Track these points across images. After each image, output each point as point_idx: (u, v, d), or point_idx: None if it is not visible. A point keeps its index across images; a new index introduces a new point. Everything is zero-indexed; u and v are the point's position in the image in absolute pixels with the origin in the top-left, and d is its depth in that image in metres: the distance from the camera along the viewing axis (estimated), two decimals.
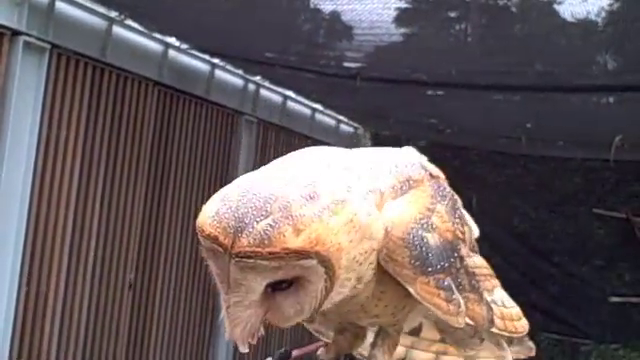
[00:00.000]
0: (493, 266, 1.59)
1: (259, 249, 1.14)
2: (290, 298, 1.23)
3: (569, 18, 5.10)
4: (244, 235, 1.14)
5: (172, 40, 6.16)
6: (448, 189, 1.47)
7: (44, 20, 5.03)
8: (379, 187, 1.31)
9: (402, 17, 5.41)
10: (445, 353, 1.67)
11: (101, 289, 5.63)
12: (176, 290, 6.36)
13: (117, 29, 5.64)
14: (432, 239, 1.34)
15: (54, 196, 5.20)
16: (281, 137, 7.39)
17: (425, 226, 1.33)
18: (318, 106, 8.07)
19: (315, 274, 1.20)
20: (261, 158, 6.88)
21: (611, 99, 6.73)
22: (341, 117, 8.37)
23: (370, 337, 1.51)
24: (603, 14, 5.13)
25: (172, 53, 6.21)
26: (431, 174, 1.44)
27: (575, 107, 6.77)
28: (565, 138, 7.53)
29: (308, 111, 8.05)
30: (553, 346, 10.04)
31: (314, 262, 1.18)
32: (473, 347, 1.63)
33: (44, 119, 5.06)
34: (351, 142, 8.24)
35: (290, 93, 7.66)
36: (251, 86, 7.20)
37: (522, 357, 1.68)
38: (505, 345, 1.59)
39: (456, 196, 1.50)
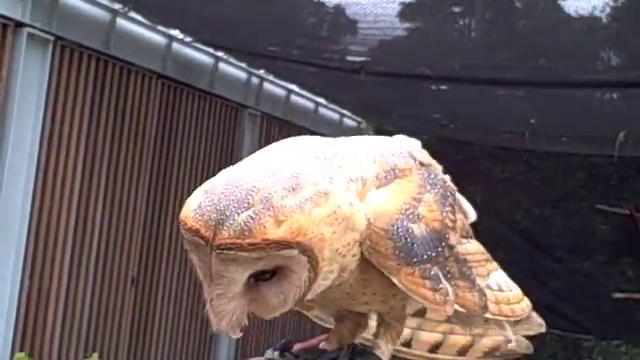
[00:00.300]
0: (495, 260, 1.58)
1: (239, 240, 1.14)
2: (274, 288, 1.23)
3: (573, 14, 5.10)
4: (225, 227, 1.15)
5: (176, 33, 6.15)
6: (440, 177, 1.45)
7: (48, 12, 5.03)
8: (361, 175, 1.30)
9: (406, 11, 5.40)
10: (452, 333, 1.66)
11: (104, 284, 5.64)
12: (178, 285, 6.36)
13: (121, 21, 5.64)
14: (418, 229, 1.33)
15: (57, 189, 5.19)
16: (284, 131, 7.38)
17: (411, 216, 1.32)
18: (321, 100, 8.06)
19: (298, 264, 1.20)
20: None
21: (615, 95, 6.72)
22: (344, 111, 8.37)
23: (373, 327, 1.50)
24: (607, 10, 5.12)
25: (176, 46, 6.20)
26: (421, 162, 1.43)
27: (579, 103, 6.75)
28: (569, 134, 7.52)
29: (311, 105, 8.05)
30: (555, 342, 10.03)
31: (296, 252, 1.18)
32: (479, 326, 1.62)
33: (47, 111, 5.06)
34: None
35: (294, 87, 7.65)
36: (255, 80, 7.20)
37: (532, 334, 1.66)
38: (507, 325, 1.57)
39: (449, 183, 1.48)
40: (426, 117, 7.38)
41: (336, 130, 7.98)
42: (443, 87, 6.71)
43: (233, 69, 6.94)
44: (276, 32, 5.80)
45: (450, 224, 1.41)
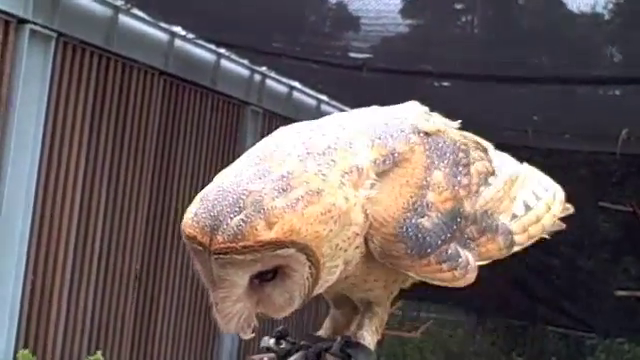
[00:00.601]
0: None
1: (233, 244, 1.16)
2: (278, 288, 1.25)
3: (576, 10, 5.09)
4: (219, 232, 1.17)
5: (178, 29, 6.15)
6: (449, 141, 1.42)
7: (50, 8, 5.03)
8: (356, 165, 1.28)
9: (408, 8, 5.40)
10: None
11: (107, 280, 5.64)
12: (181, 282, 6.36)
13: (123, 18, 5.64)
14: (428, 221, 1.32)
15: (60, 185, 5.20)
16: None
17: (420, 210, 1.31)
18: (324, 97, 8.06)
19: (297, 262, 1.22)
20: None
21: (618, 92, 6.71)
22: (346, 108, 8.36)
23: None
24: (610, 6, 5.11)
25: (178, 43, 6.20)
26: (426, 133, 1.40)
27: (582, 100, 6.75)
28: (571, 131, 7.51)
29: (314, 102, 8.05)
30: (558, 340, 10.04)
31: (292, 251, 1.19)
32: None
33: (50, 107, 5.06)
34: None
35: (296, 84, 7.65)
36: (257, 76, 7.19)
37: (560, 216, 1.67)
38: None
39: (461, 142, 1.45)
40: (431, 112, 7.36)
41: None
42: (445, 84, 6.70)
43: (235, 66, 6.93)
44: (278, 29, 5.80)
45: (464, 193, 1.39)
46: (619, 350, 9.40)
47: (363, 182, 1.28)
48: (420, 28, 5.81)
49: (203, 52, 6.54)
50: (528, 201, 1.56)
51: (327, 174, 1.24)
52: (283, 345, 1.45)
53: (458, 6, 5.49)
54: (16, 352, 4.76)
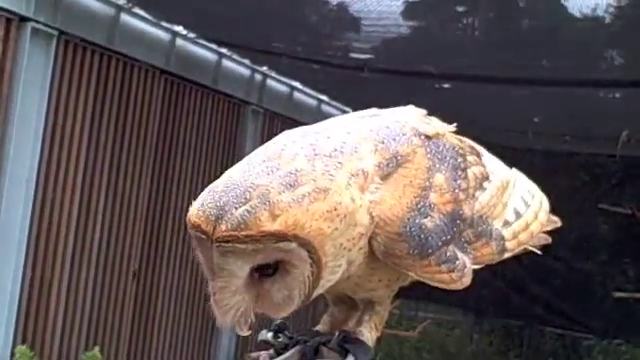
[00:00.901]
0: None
1: (236, 233, 1.18)
2: (277, 284, 1.26)
3: (577, 13, 5.09)
4: (223, 221, 1.19)
5: (179, 29, 6.16)
6: (448, 145, 1.44)
7: (52, 6, 5.04)
8: (362, 168, 1.30)
9: (410, 9, 5.40)
10: None
11: (105, 277, 5.65)
12: (180, 278, 6.37)
13: (125, 17, 5.64)
14: (430, 222, 1.34)
15: (60, 183, 5.21)
16: (287, 128, 7.31)
17: (422, 210, 1.33)
18: (324, 97, 8.06)
19: (298, 258, 1.23)
20: None
21: (618, 94, 6.72)
22: (347, 108, 8.37)
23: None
24: (611, 9, 5.12)
25: (179, 42, 6.21)
26: (427, 136, 1.42)
27: (582, 102, 6.75)
28: (572, 133, 7.52)
29: (314, 102, 8.05)
30: (555, 340, 10.05)
31: (294, 245, 1.21)
32: None
33: (51, 105, 5.07)
34: None
35: (297, 84, 7.66)
36: (258, 76, 7.20)
37: (548, 229, 1.68)
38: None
39: (458, 146, 1.47)
40: (429, 115, 7.37)
41: None
42: (446, 85, 6.71)
43: (236, 65, 6.94)
44: (280, 29, 5.81)
45: (463, 196, 1.41)
46: (616, 351, 9.41)
47: (369, 186, 1.30)
48: (421, 30, 5.82)
49: (204, 51, 6.55)
50: (518, 208, 1.58)
51: (334, 175, 1.26)
52: (281, 339, 1.45)
53: (459, 8, 5.50)
54: (14, 348, 4.77)
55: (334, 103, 8.24)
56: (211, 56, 6.63)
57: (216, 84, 6.67)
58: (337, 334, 1.40)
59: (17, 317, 4.99)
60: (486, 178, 1.52)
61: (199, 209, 1.22)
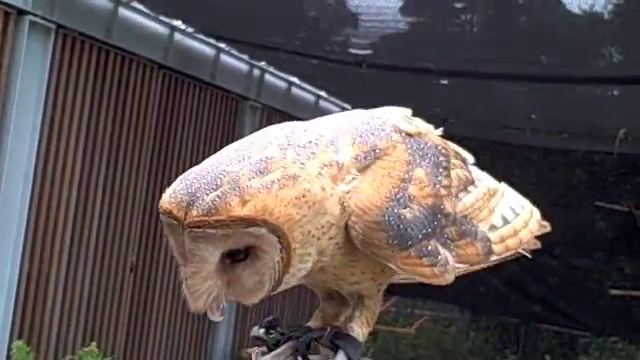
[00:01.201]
0: None
1: (206, 218, 1.21)
2: (248, 269, 1.28)
3: (575, 9, 5.09)
4: (194, 207, 1.22)
5: (178, 23, 6.15)
6: (430, 144, 1.45)
7: (50, 0, 5.03)
8: (337, 160, 1.32)
9: (409, 5, 5.40)
10: None
11: (102, 271, 5.65)
12: (177, 273, 6.35)
13: (123, 11, 5.64)
14: (410, 213, 1.34)
15: (57, 177, 5.20)
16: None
17: (401, 201, 1.34)
18: (322, 93, 8.07)
19: (268, 243, 1.25)
20: None
21: (616, 91, 6.72)
22: (345, 104, 8.37)
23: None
24: (610, 6, 5.12)
25: (178, 36, 6.20)
26: (408, 133, 1.43)
27: (580, 99, 6.76)
28: (569, 130, 7.52)
29: (312, 97, 8.05)
30: (552, 338, 10.07)
31: (263, 230, 1.23)
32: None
33: (48, 99, 5.07)
34: None
35: (295, 79, 7.65)
36: (256, 71, 7.20)
37: (537, 234, 1.68)
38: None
39: (441, 145, 1.48)
40: (426, 111, 7.36)
41: None
42: (444, 81, 6.71)
43: (235, 60, 6.94)
44: (278, 24, 5.80)
45: (444, 192, 1.42)
46: (613, 349, 9.44)
47: (343, 177, 1.31)
48: (420, 26, 5.81)
49: (202, 46, 6.55)
50: (506, 215, 1.59)
51: (305, 163, 1.28)
52: (273, 335, 1.47)
53: (458, 4, 5.50)
54: (11, 343, 4.77)
55: (332, 99, 8.24)
56: (209, 51, 6.62)
57: (214, 79, 6.67)
58: (328, 330, 1.41)
59: (14, 312, 4.99)
60: (471, 182, 1.54)
61: (171, 195, 1.27)
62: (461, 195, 1.49)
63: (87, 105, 5.40)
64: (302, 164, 1.28)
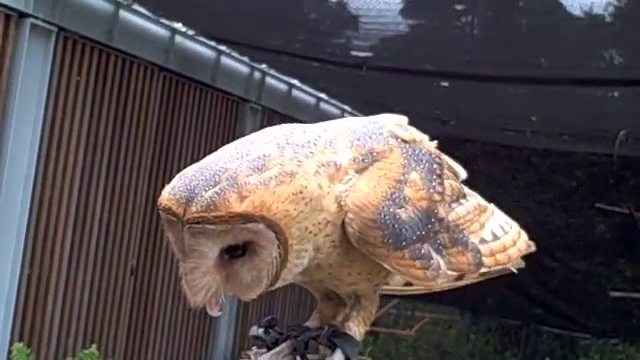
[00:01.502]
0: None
1: (205, 214, 1.23)
2: (246, 265, 1.30)
3: (576, 11, 5.10)
4: (194, 203, 1.25)
5: (179, 26, 6.16)
6: (424, 150, 1.48)
7: (51, 3, 5.03)
8: (335, 160, 1.34)
9: (409, 7, 5.41)
10: None
11: (103, 274, 5.65)
12: (178, 276, 6.36)
13: (124, 13, 5.64)
14: (405, 213, 1.37)
15: (58, 179, 5.21)
16: None
17: (397, 201, 1.36)
18: (323, 95, 8.07)
19: (266, 239, 1.27)
20: None
21: (616, 93, 6.73)
22: (345, 106, 8.37)
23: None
24: (610, 8, 5.13)
25: (178, 39, 6.20)
26: (404, 140, 1.46)
27: (580, 101, 6.76)
28: (569, 132, 7.53)
29: (313, 100, 8.06)
30: (552, 340, 10.07)
31: (261, 226, 1.25)
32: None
33: (49, 102, 5.07)
34: None
35: (295, 81, 7.66)
36: (257, 74, 7.20)
37: (524, 253, 1.71)
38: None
39: (435, 154, 1.51)
40: (427, 113, 7.38)
41: None
42: (444, 84, 6.72)
43: (235, 63, 6.94)
44: (279, 26, 5.81)
45: (438, 198, 1.44)
46: (613, 351, 9.43)
47: (341, 177, 1.34)
48: (420, 28, 5.82)
49: (203, 49, 6.55)
50: (496, 232, 1.62)
51: (303, 161, 1.31)
52: (271, 334, 1.49)
53: (458, 7, 5.51)
54: (11, 345, 4.77)
55: (333, 101, 8.24)
56: (210, 53, 6.63)
57: (215, 81, 6.67)
58: (326, 329, 1.44)
59: (14, 314, 4.99)
60: (463, 196, 1.56)
61: (170, 192, 1.28)
62: (454, 205, 1.51)
63: (88, 108, 5.40)
64: (299, 162, 1.30)
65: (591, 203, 8.62)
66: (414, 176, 1.41)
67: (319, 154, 1.33)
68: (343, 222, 1.33)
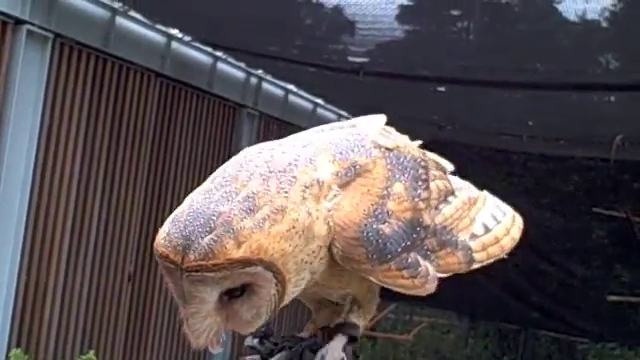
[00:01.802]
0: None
1: (204, 262, 1.22)
2: (245, 304, 1.30)
3: (571, 17, 5.11)
4: (191, 251, 1.23)
5: (175, 32, 6.16)
6: (409, 157, 1.47)
7: (47, 9, 5.04)
8: (317, 178, 1.33)
9: (405, 13, 5.42)
10: None
11: (100, 280, 5.65)
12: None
13: (120, 20, 5.64)
14: (388, 228, 1.37)
15: (55, 186, 5.20)
16: (282, 131, 7.39)
17: (380, 216, 1.36)
18: (320, 100, 8.08)
19: (264, 279, 1.27)
20: None
21: (612, 98, 6.74)
22: (342, 112, 8.38)
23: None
24: (606, 13, 5.14)
25: (175, 45, 6.21)
26: (387, 148, 1.45)
27: (577, 106, 6.77)
28: (566, 136, 7.54)
29: (310, 105, 8.06)
30: (550, 344, 10.08)
31: (260, 269, 1.25)
32: None
33: (46, 108, 5.07)
34: None
35: (292, 87, 7.67)
36: (253, 79, 7.21)
37: (517, 241, 1.68)
38: None
39: (420, 158, 1.50)
40: (424, 119, 7.39)
41: None
42: (441, 89, 6.73)
43: (232, 69, 6.95)
44: (275, 32, 5.81)
45: (423, 205, 1.44)
46: (611, 355, 9.44)
47: (325, 194, 1.33)
48: (417, 33, 5.83)
49: (200, 55, 6.56)
50: (487, 223, 1.62)
51: (289, 191, 1.30)
52: (266, 345, 1.49)
53: (454, 12, 5.51)
54: (9, 351, 4.76)
55: (329, 106, 8.25)
56: (206, 59, 6.63)
57: (211, 87, 6.67)
58: (320, 335, 1.46)
59: (12, 320, 4.98)
60: (451, 193, 1.57)
61: (165, 239, 1.26)
62: (441, 206, 1.52)
63: (84, 114, 5.40)
64: (286, 193, 1.29)
65: (588, 208, 8.62)
66: (397, 188, 1.40)
67: (301, 175, 1.32)
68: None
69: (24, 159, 4.94)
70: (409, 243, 1.40)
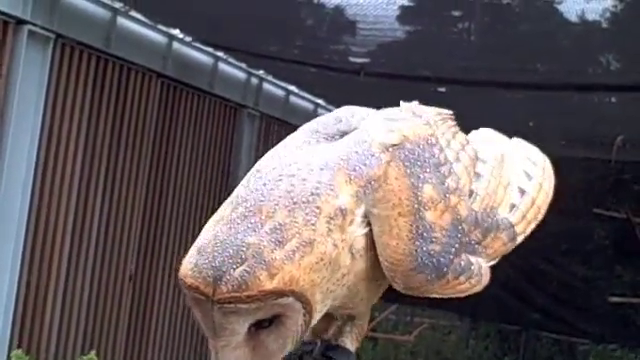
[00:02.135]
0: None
1: (238, 294, 1.21)
2: (272, 334, 1.29)
3: (572, 18, 5.11)
4: (223, 283, 1.22)
5: (176, 32, 6.17)
6: (422, 143, 1.40)
7: (49, 9, 5.04)
8: (339, 206, 1.30)
9: (406, 14, 5.42)
10: None
11: (102, 280, 5.65)
12: (176, 282, 6.36)
13: (121, 20, 5.65)
14: (437, 244, 1.34)
15: (56, 186, 5.21)
16: (283, 131, 7.38)
17: (425, 235, 1.33)
18: (320, 101, 8.08)
19: (292, 310, 1.27)
20: (263, 152, 6.82)
21: (613, 99, 6.74)
22: None
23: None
24: (607, 14, 5.14)
25: (176, 45, 6.21)
26: (394, 145, 1.37)
27: (577, 106, 6.77)
28: (567, 137, 7.53)
29: (310, 106, 8.06)
30: (551, 345, 10.07)
31: (291, 299, 1.25)
32: None
33: (47, 108, 5.07)
34: None
35: (293, 87, 7.67)
36: (254, 80, 7.21)
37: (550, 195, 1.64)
38: None
39: (429, 138, 1.42)
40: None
41: None
42: (442, 89, 6.72)
43: (232, 69, 6.95)
44: (276, 33, 5.82)
45: (456, 200, 1.39)
46: (612, 356, 9.43)
47: (350, 220, 1.31)
48: (418, 34, 5.83)
49: (201, 55, 6.56)
50: (521, 184, 1.56)
51: (315, 223, 1.28)
52: None
53: (455, 13, 5.52)
54: (10, 352, 4.77)
55: (330, 107, 8.24)
56: (207, 60, 6.64)
57: (212, 88, 6.68)
58: (319, 343, 1.45)
59: (13, 321, 4.98)
60: (476, 156, 1.50)
61: (194, 270, 1.24)
62: (473, 187, 1.45)
63: (86, 114, 5.41)
64: (313, 225, 1.27)
65: (589, 208, 8.62)
66: (426, 191, 1.34)
67: (324, 206, 1.29)
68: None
69: (25, 159, 4.94)
70: (457, 246, 1.36)
